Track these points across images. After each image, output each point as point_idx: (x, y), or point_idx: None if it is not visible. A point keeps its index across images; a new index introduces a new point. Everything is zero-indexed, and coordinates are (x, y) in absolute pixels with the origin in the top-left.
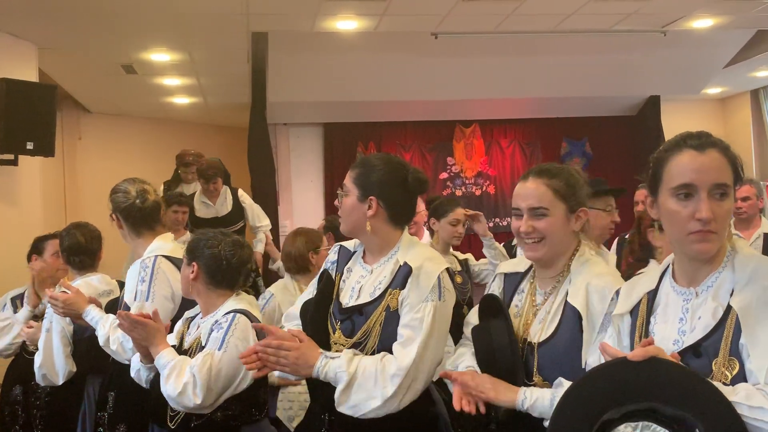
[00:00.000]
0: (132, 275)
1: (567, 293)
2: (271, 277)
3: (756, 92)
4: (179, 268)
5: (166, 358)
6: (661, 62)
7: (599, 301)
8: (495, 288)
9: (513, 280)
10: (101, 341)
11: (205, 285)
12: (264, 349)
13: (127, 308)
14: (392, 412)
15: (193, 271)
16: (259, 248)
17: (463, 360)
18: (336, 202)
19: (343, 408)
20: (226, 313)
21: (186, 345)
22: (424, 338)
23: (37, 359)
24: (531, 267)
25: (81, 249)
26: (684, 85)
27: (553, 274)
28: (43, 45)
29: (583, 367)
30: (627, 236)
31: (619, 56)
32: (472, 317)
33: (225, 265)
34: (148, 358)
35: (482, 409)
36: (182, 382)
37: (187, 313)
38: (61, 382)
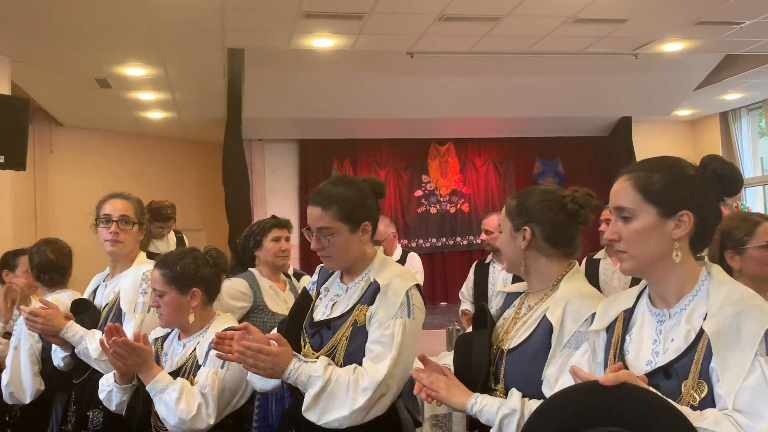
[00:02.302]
0: (131, 287)
1: (548, 308)
2: None
3: (725, 114)
4: None
5: (164, 381)
6: (633, 84)
7: (572, 320)
8: (494, 306)
9: (511, 297)
10: (93, 354)
11: (202, 306)
12: (243, 351)
13: (118, 319)
14: (356, 425)
15: (193, 297)
16: None
17: (444, 362)
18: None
19: (310, 413)
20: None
21: (169, 366)
22: (396, 355)
23: (4, 377)
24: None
25: (51, 266)
26: (655, 107)
27: (542, 287)
28: (16, 58)
29: (541, 379)
30: (595, 256)
31: (592, 78)
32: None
33: (222, 275)
34: (124, 379)
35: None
36: (195, 404)
37: (154, 333)
38: (28, 400)
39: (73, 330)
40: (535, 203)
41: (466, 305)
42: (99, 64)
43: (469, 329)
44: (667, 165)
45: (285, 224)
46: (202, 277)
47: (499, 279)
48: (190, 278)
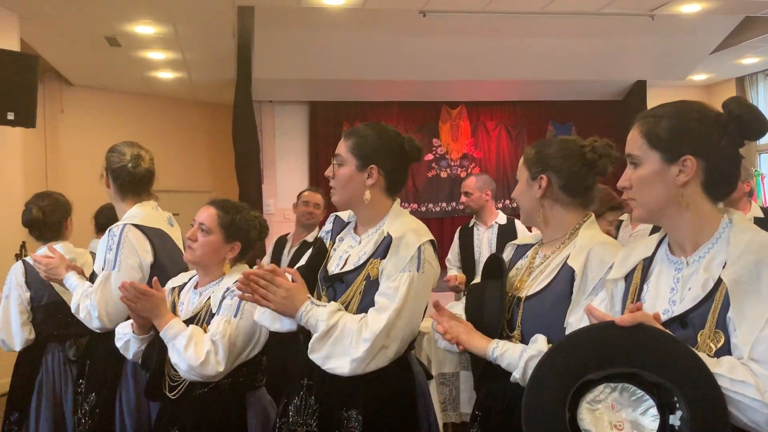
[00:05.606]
0: (102, 243)
1: (568, 256)
2: None
3: (741, 80)
4: (150, 238)
5: (176, 328)
6: (648, 47)
7: (597, 267)
8: (505, 257)
9: (522, 249)
10: (72, 308)
11: (232, 261)
12: (257, 279)
13: (95, 276)
14: (358, 374)
15: (232, 249)
16: None
17: (454, 309)
18: (328, 173)
19: (315, 356)
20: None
21: (185, 314)
22: (398, 307)
23: None
24: (541, 238)
25: (37, 223)
26: (670, 71)
27: (558, 236)
28: (24, 14)
29: (564, 326)
30: (620, 218)
31: (607, 40)
32: (477, 279)
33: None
34: (142, 329)
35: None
36: (204, 350)
37: (171, 283)
38: (18, 348)
39: (70, 281)
40: (554, 152)
41: (453, 271)
42: (108, 21)
43: (478, 279)
44: (677, 110)
45: None
46: (248, 237)
47: (484, 242)
48: (240, 231)
